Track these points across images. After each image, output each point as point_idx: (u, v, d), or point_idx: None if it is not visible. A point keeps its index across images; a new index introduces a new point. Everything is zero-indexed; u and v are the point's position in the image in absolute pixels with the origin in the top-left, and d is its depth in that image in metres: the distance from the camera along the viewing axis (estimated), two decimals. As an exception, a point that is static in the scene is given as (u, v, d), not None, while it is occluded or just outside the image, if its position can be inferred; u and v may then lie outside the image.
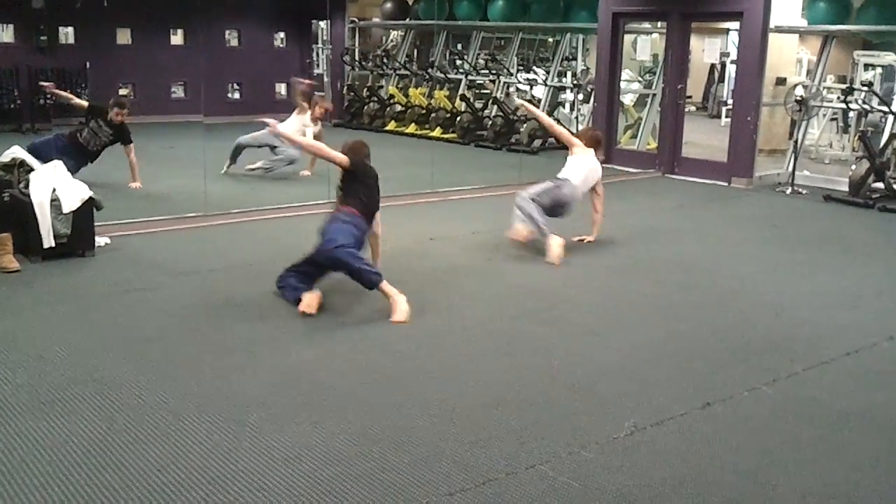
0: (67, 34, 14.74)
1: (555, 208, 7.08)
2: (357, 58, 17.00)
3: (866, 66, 13.29)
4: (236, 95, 16.71)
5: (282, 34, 17.32)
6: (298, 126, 9.86)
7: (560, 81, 14.52)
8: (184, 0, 15.02)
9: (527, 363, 4.71)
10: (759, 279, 6.55)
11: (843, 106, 11.39)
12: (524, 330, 5.26)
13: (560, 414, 4.06)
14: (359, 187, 5.72)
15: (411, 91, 15.54)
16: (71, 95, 10.00)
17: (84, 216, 6.52)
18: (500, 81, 14.73)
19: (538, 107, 13.80)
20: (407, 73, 16.18)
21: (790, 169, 10.66)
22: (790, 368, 4.70)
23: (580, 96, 13.46)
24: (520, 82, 14.89)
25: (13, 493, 3.23)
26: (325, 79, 17.39)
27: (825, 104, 11.95)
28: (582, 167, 7.24)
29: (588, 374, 4.57)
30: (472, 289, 6.08)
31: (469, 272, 6.45)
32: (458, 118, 14.25)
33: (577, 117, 13.50)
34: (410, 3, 16.43)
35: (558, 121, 13.87)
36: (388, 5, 16.57)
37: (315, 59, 17.90)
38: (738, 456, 3.69)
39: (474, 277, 6.33)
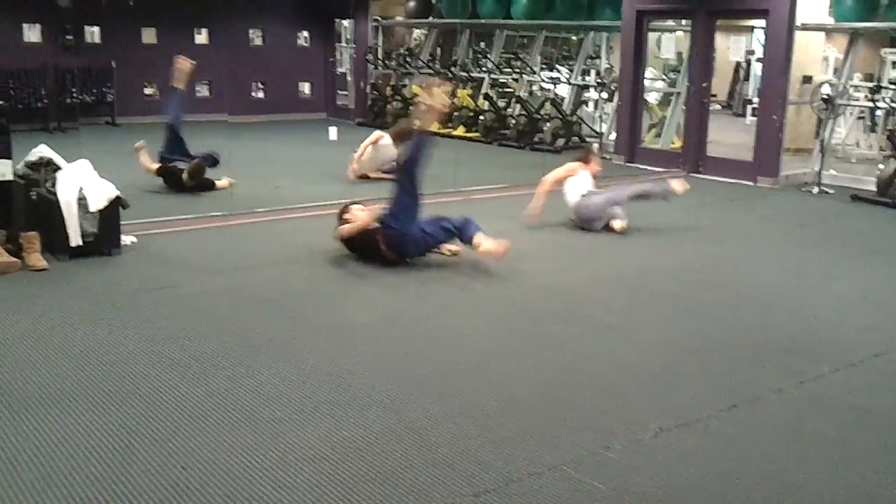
0: (93, 34, 14.87)
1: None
2: (380, 56, 17.02)
3: (894, 64, 13.14)
4: (260, 95, 16.79)
5: (305, 33, 17.37)
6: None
7: (584, 80, 14.46)
8: (208, 0, 15.14)
9: (549, 362, 4.69)
10: (784, 279, 6.50)
11: (871, 104, 11.25)
12: (547, 329, 5.24)
13: (584, 414, 4.04)
14: None
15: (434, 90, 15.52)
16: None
17: (111, 215, 6.57)
18: (523, 80, 14.69)
19: (561, 105, 13.84)
20: (430, 71, 16.19)
21: (817, 168, 10.55)
22: (817, 370, 4.65)
23: (604, 95, 13.40)
24: (543, 81, 14.84)
25: (37, 488, 3.26)
26: (349, 78, 17.44)
27: (852, 102, 11.82)
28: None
29: (612, 374, 4.55)
30: (495, 288, 6.07)
31: (492, 271, 6.43)
32: (482, 117, 14.23)
33: (600, 116, 13.45)
34: (433, 1, 16.42)
35: (581, 119, 13.86)
36: (412, 4, 16.57)
37: (338, 57, 17.95)
38: (764, 458, 3.66)
39: (498, 276, 6.31)
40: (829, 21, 11.70)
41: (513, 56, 15.69)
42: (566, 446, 3.69)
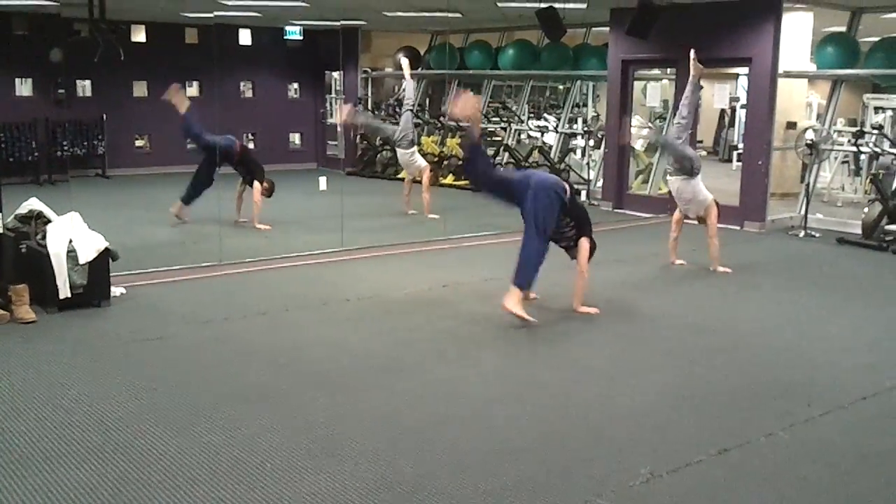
0: (85, 87, 14.99)
1: None
2: (370, 107, 17.19)
3: (876, 109, 13.34)
4: (251, 145, 16.88)
5: (296, 85, 17.55)
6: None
7: (571, 128, 14.63)
8: (199, 53, 15.31)
9: (541, 409, 4.69)
10: (773, 323, 6.52)
11: (854, 149, 11.40)
12: (538, 375, 5.25)
13: (575, 461, 4.03)
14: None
15: (424, 139, 15.69)
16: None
17: (100, 266, 6.58)
18: (511, 129, 14.84)
19: (549, 152, 13.97)
20: (419, 121, 16.34)
21: (803, 212, 10.65)
22: (807, 413, 4.66)
23: (591, 142, 13.54)
24: (531, 129, 15.00)
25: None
26: (339, 128, 17.58)
27: (836, 147, 11.97)
28: None
29: (603, 420, 4.54)
30: (486, 335, 6.08)
31: (482, 318, 6.45)
32: (471, 165, 14.33)
33: (588, 163, 13.58)
34: (422, 53, 16.65)
35: (569, 167, 13.98)
36: (400, 55, 16.79)
37: (329, 108, 18.11)
38: (755, 502, 3.65)
39: (487, 324, 6.33)
40: (812, 68, 11.89)
41: (501, 105, 15.87)
42: (558, 494, 3.68)
